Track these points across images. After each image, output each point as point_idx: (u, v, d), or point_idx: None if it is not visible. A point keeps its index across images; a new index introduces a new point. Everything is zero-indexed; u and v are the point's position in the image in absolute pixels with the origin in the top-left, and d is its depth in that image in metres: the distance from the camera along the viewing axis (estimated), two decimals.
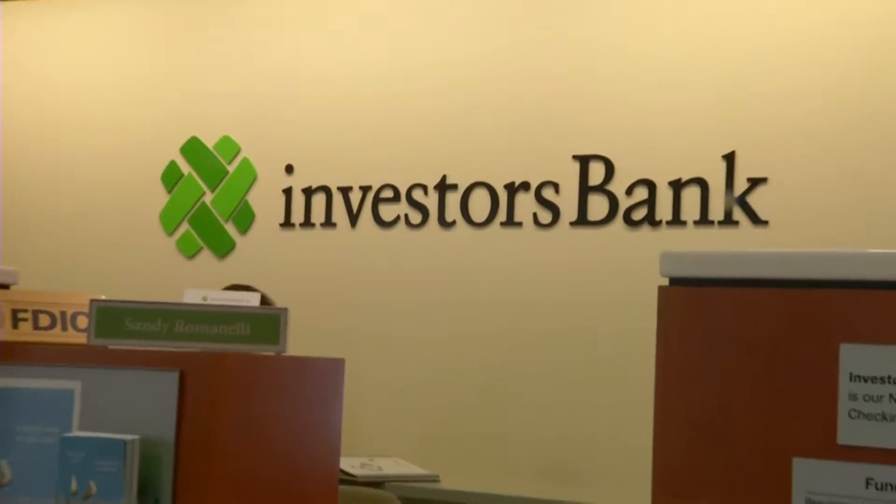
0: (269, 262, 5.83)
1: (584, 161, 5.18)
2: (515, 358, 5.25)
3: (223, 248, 6.11)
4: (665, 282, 1.68)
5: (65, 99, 6.92)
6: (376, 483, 4.57)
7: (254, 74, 6.27)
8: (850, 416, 1.48)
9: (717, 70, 5.06)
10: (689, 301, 1.53)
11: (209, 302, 2.17)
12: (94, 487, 1.90)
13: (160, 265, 6.18)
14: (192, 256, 6.17)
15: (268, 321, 1.99)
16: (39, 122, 6.94)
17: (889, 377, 1.47)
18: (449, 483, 5.17)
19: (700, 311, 1.55)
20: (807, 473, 1.48)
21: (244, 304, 2.16)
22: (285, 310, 1.99)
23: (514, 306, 5.40)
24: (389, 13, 6.13)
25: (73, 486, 1.91)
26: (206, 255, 6.16)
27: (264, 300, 3.86)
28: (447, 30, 5.84)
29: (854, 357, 1.48)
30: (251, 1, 6.42)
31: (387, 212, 5.66)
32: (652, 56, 5.25)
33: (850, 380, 1.47)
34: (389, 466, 5.06)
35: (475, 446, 5.11)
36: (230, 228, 6.11)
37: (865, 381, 1.49)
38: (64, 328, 2.29)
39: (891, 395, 1.48)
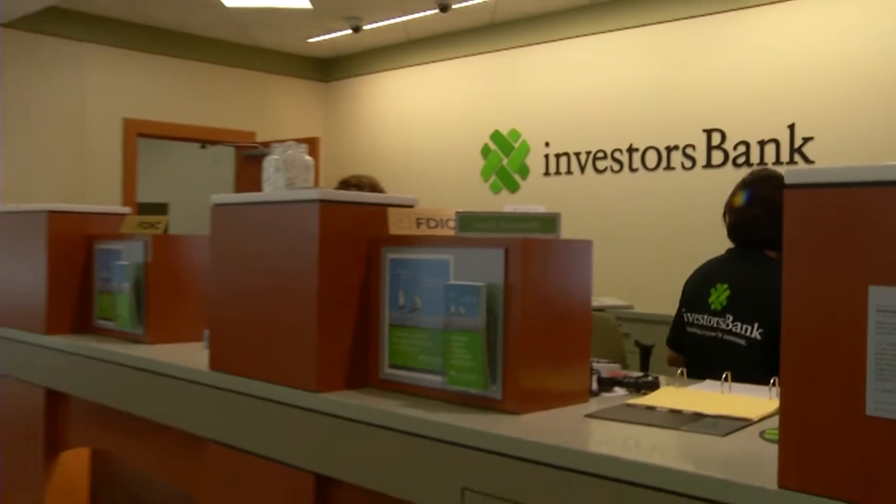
0: (536, 193, 7.05)
1: (708, 132, 6.13)
2: (692, 242, 5.40)
3: (513, 187, 7.36)
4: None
5: (429, 112, 8.17)
6: (597, 309, 4.37)
7: (529, 91, 7.31)
8: None
9: (783, 75, 5.78)
10: (808, 200, 1.34)
11: (515, 210, 2.09)
12: (462, 311, 1.98)
13: (481, 198, 7.44)
14: (497, 192, 7.44)
15: (549, 219, 1.99)
16: (425, 126, 8.24)
17: None
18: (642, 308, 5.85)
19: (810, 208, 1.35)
20: None
21: (533, 209, 2.08)
22: (558, 214, 1.98)
23: (675, 208, 6.18)
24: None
25: (452, 309, 2.00)
26: (504, 192, 7.39)
27: (376, 188, 4.11)
28: (618, 60, 6.64)
29: None
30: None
31: (600, 165, 6.78)
32: (745, 67, 5.96)
33: None
34: (599, 300, 5.22)
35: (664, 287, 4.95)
36: (517, 177, 7.34)
37: None
38: (442, 227, 2.31)
39: None
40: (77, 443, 3.51)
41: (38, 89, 7.29)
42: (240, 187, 8.36)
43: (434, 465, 1.93)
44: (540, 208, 2.17)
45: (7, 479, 3.88)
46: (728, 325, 2.95)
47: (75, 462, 3.62)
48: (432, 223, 2.33)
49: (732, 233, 3.09)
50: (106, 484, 3.64)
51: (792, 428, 1.44)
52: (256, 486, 2.41)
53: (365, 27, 7.58)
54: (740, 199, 3.08)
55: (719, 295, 2.99)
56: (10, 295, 3.81)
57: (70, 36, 7.45)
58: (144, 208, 7.71)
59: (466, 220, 2.12)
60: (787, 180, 1.44)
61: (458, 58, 7.87)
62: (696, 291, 3.12)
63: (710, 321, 3.02)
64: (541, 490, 1.73)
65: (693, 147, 6.27)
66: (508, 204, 2.37)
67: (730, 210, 3.11)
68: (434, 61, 8.08)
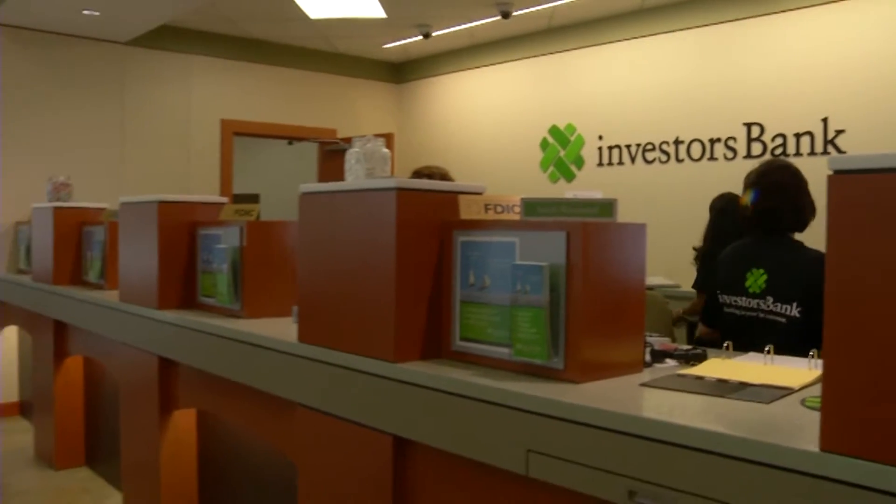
0: (591, 183, 6.96)
1: (748, 125, 5.99)
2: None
3: (570, 177, 7.26)
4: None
5: (492, 109, 8.08)
6: (647, 288, 4.70)
7: (583, 89, 7.21)
8: None
9: (817, 73, 5.64)
10: (851, 184, 1.33)
11: (576, 196, 2.05)
12: (528, 288, 1.95)
13: (540, 187, 7.38)
14: (555, 182, 7.35)
15: (607, 205, 1.96)
16: (489, 122, 8.19)
17: None
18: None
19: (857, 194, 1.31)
20: None
21: (592, 195, 2.04)
22: (615, 199, 1.95)
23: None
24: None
25: (518, 287, 1.98)
26: (561, 182, 7.31)
27: (446, 177, 4.08)
28: (666, 55, 6.54)
29: None
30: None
31: (649, 156, 6.67)
32: (782, 66, 5.83)
33: None
34: (648, 279, 5.26)
35: None
36: (573, 168, 7.25)
37: None
38: (508, 212, 2.29)
39: None
40: (185, 404, 3.57)
41: (152, 97, 7.46)
42: (322, 178, 8.40)
43: (501, 429, 1.91)
44: (598, 194, 2.14)
45: (129, 432, 3.98)
46: (769, 306, 2.95)
47: (185, 420, 3.69)
48: (499, 209, 2.32)
49: (757, 221, 3.08)
50: (210, 440, 3.69)
51: (834, 394, 1.41)
52: (341, 445, 2.42)
53: (434, 33, 7.59)
54: (747, 199, 3.10)
55: (756, 279, 2.99)
56: (130, 275, 3.89)
57: (178, 50, 7.59)
58: (239, 198, 7.97)
59: (531, 206, 2.11)
60: (830, 167, 1.42)
61: (518, 60, 7.83)
62: (731, 276, 3.11)
63: (749, 303, 3.01)
64: (599, 453, 1.71)
65: (734, 139, 6.16)
66: (569, 190, 2.36)
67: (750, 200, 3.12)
68: (497, 63, 8.05)
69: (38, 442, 5.44)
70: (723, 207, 4.69)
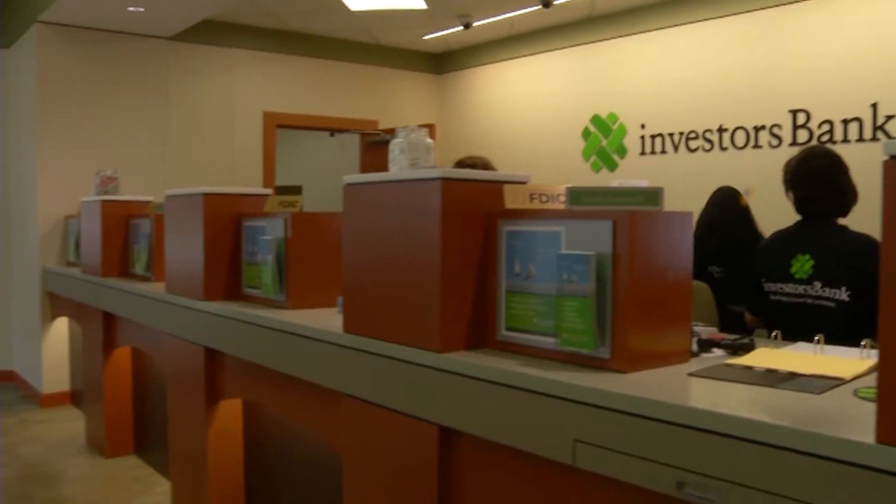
0: (633, 172, 6.93)
1: (794, 112, 5.93)
2: (778, 215, 5.12)
3: (612, 166, 7.26)
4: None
5: (533, 99, 8.05)
6: None
7: (625, 78, 7.17)
8: None
9: (866, 58, 5.56)
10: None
11: (621, 185, 2.04)
12: (574, 278, 1.94)
13: (582, 176, 7.40)
14: (597, 171, 7.36)
15: (653, 193, 1.93)
16: (530, 112, 8.12)
17: None
18: None
19: None
20: None
21: (638, 184, 2.02)
22: (661, 188, 1.92)
23: (762, 184, 5.37)
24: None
25: (564, 276, 1.96)
26: (604, 171, 7.31)
27: (489, 167, 4.10)
28: (704, 46, 6.45)
29: None
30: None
31: (692, 144, 6.62)
32: (828, 51, 5.76)
33: None
34: None
35: None
36: (615, 157, 7.24)
37: None
38: (553, 202, 2.26)
39: None
40: (231, 394, 3.60)
41: (196, 91, 7.58)
42: (364, 169, 8.42)
43: (548, 419, 1.90)
44: (644, 183, 2.12)
45: (176, 422, 4.03)
46: (817, 291, 2.92)
47: (231, 410, 3.73)
48: (544, 198, 2.30)
49: (802, 207, 3.08)
50: (256, 429, 3.72)
51: (891, 384, 1.37)
52: (386, 434, 2.42)
53: (475, 24, 7.57)
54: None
55: (802, 265, 2.97)
56: (176, 267, 3.94)
57: (221, 44, 7.69)
58: (281, 190, 7.92)
59: (577, 195, 2.09)
60: (886, 152, 1.38)
61: (558, 49, 7.79)
62: (776, 263, 3.08)
63: (796, 289, 2.99)
64: (647, 443, 1.69)
65: (779, 126, 6.08)
66: (615, 179, 2.36)
67: (793, 187, 3.11)
68: (537, 53, 8.01)
69: (90, 430, 5.55)
70: (718, 202, 4.52)
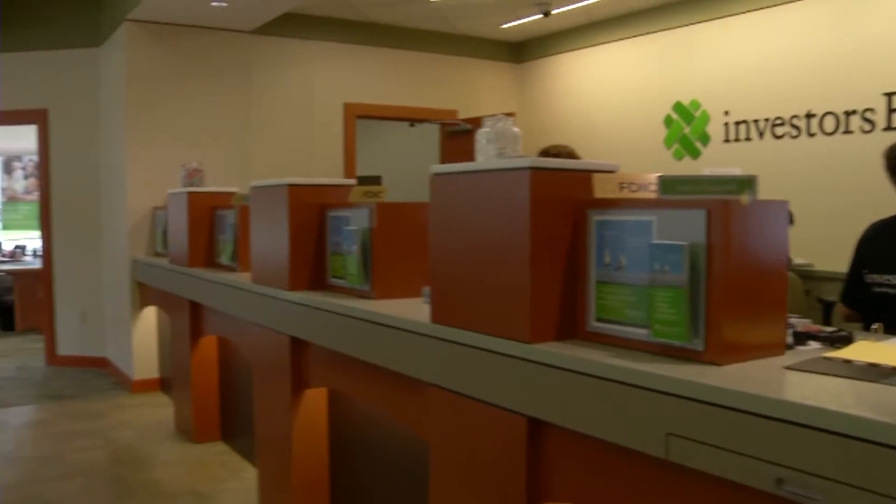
0: (717, 160, 6.81)
1: (889, 95, 5.73)
2: (870, 203, 5.58)
3: (695, 154, 7.12)
4: None
5: (613, 87, 8.00)
6: None
7: (707, 63, 7.07)
8: None
9: None
10: None
11: (714, 173, 1.97)
12: (667, 268, 1.90)
13: (664, 164, 7.27)
14: (679, 159, 7.24)
15: (747, 181, 1.89)
16: (610, 100, 8.10)
17: None
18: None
19: None
20: None
21: (731, 172, 1.96)
22: (756, 176, 1.88)
23: (853, 171, 5.83)
24: None
25: (657, 266, 1.93)
26: (686, 159, 7.18)
27: (573, 156, 4.13)
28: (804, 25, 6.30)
29: None
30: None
31: (778, 131, 6.44)
32: None
33: None
34: None
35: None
36: (698, 145, 7.10)
37: None
38: (643, 191, 2.23)
39: None
40: (317, 383, 3.65)
41: (277, 83, 7.70)
42: (445, 159, 8.43)
43: (640, 412, 1.87)
44: (737, 171, 2.05)
45: (262, 410, 4.10)
46: None
47: (316, 399, 3.77)
48: (634, 187, 2.27)
49: None
50: (341, 418, 3.76)
51: None
52: (474, 425, 2.42)
53: (553, 11, 7.51)
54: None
55: None
56: (262, 258, 4.00)
57: (301, 36, 7.78)
58: (361, 180, 8.01)
59: (669, 184, 2.04)
60: None
61: (638, 36, 7.67)
62: (881, 253, 2.97)
63: None
64: (745, 438, 1.64)
65: (872, 110, 5.87)
66: (705, 168, 2.30)
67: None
68: (617, 40, 7.91)
69: (178, 416, 5.69)
70: None
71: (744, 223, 1.92)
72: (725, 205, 1.88)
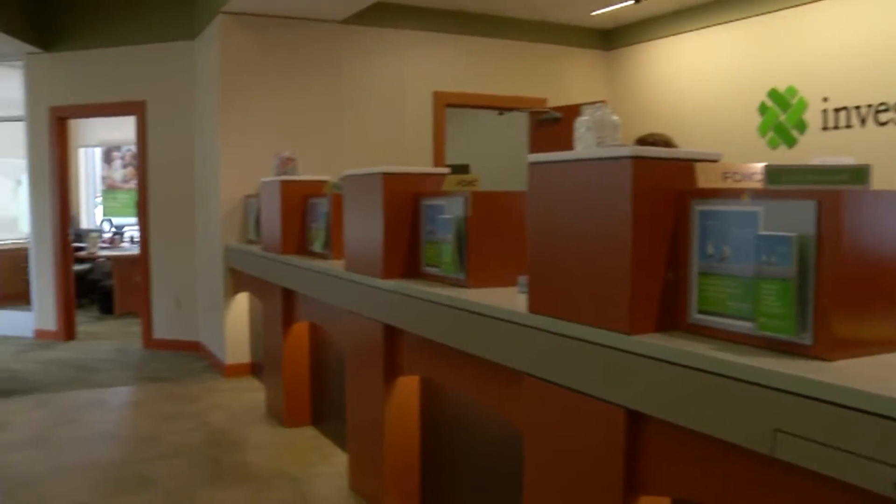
0: (815, 148, 6.61)
1: None
2: None
3: (791, 142, 6.94)
4: None
5: (705, 74, 7.87)
6: None
7: (805, 48, 6.90)
8: None
9: None
10: None
11: (824, 163, 1.92)
12: (774, 260, 1.85)
13: (758, 153, 7.09)
14: (774, 148, 7.05)
15: (860, 171, 1.83)
16: (702, 87, 8.00)
17: None
18: None
19: None
20: None
21: (842, 161, 1.92)
22: (869, 165, 1.83)
23: None
24: None
25: (763, 258, 1.88)
26: (782, 148, 7.00)
27: (670, 144, 3.97)
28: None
29: None
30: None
31: (882, 117, 6.23)
32: None
33: None
34: None
35: None
36: (794, 133, 6.91)
37: None
38: (747, 181, 2.18)
39: None
40: (409, 371, 3.68)
41: (367, 72, 7.77)
42: (534, 148, 8.37)
43: (745, 407, 1.83)
44: (848, 160, 1.99)
45: (354, 396, 4.16)
46: None
47: (408, 386, 3.81)
48: (738, 176, 2.21)
49: None
50: (433, 406, 3.79)
51: None
52: (571, 416, 2.41)
53: None
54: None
55: None
56: (355, 246, 4.04)
57: (391, 25, 7.84)
58: (451, 169, 8.06)
59: (776, 174, 1.98)
60: None
61: (731, 21, 7.50)
62: None
63: None
64: (859, 437, 1.59)
65: None
66: (816, 157, 2.23)
67: None
68: (709, 26, 7.75)
69: (269, 401, 5.81)
70: None
71: (857, 214, 1.85)
72: (837, 195, 1.82)
